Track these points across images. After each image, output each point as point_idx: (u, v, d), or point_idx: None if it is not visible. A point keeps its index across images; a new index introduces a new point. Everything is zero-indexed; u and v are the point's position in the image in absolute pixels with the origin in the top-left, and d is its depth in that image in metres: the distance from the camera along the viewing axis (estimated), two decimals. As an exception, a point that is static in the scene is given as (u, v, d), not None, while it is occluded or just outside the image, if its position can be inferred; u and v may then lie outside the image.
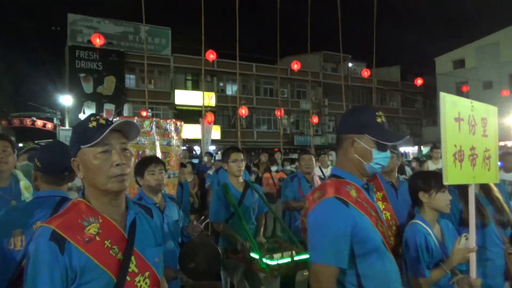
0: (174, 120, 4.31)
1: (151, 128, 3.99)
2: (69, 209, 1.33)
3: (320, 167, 7.62)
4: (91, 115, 1.42)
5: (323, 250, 1.52)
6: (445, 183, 1.98)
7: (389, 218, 2.77)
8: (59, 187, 2.00)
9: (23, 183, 2.66)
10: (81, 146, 1.32)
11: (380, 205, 2.95)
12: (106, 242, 1.29)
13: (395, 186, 3.16)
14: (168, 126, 4.14)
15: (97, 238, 1.28)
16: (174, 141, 4.21)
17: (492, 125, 2.26)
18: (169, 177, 4.07)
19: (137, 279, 1.33)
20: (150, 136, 4.01)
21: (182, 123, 4.44)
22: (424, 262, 2.11)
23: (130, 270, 1.31)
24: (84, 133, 1.33)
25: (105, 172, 1.30)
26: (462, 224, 2.45)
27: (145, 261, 1.38)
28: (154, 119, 4.09)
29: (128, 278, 1.30)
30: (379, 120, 1.64)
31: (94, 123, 1.34)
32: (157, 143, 4.03)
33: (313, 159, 4.43)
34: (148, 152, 3.91)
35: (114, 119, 3.49)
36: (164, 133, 4.09)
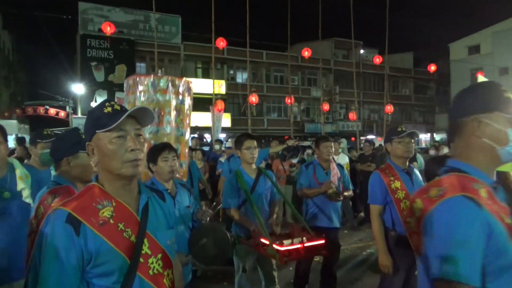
0: (185, 79, 4.33)
1: (167, 86, 4.03)
2: (84, 193, 1.37)
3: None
4: (106, 100, 1.44)
5: (459, 264, 1.17)
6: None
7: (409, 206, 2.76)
8: None
9: (19, 172, 2.62)
10: (97, 131, 1.35)
11: (400, 193, 3.03)
12: (119, 225, 1.32)
13: (409, 173, 3.17)
14: (181, 85, 4.17)
15: (111, 221, 1.31)
16: (187, 100, 4.25)
17: None
18: (182, 135, 4.15)
19: (150, 260, 1.37)
20: (166, 94, 4.06)
21: (192, 82, 4.48)
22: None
23: (143, 252, 1.35)
24: (100, 118, 1.35)
25: (119, 157, 1.33)
26: None
27: (157, 244, 1.41)
28: (169, 77, 4.11)
29: (141, 260, 1.34)
30: (507, 95, 1.33)
31: (109, 109, 1.37)
32: (173, 102, 4.09)
33: (333, 146, 4.40)
34: (163, 110, 3.96)
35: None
36: (177, 92, 4.12)
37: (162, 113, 3.99)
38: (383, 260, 3.08)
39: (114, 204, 1.35)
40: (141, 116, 1.41)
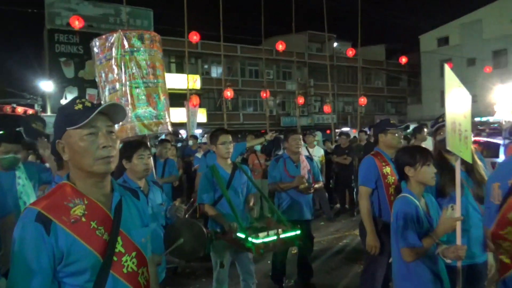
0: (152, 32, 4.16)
1: (150, 40, 3.89)
2: (54, 191, 1.36)
3: (306, 147, 7.66)
4: (76, 97, 1.42)
5: None
6: (448, 147, 2.10)
7: None
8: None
9: None
10: (67, 128, 1.33)
11: (390, 179, 3.21)
12: (92, 223, 1.31)
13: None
14: (152, 37, 4.00)
15: (83, 219, 1.30)
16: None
17: (468, 110, 2.37)
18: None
19: (124, 259, 1.36)
20: (155, 49, 3.93)
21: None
22: (415, 233, 2.16)
23: (116, 250, 1.34)
24: (70, 115, 1.34)
25: (91, 154, 1.32)
26: (439, 195, 2.52)
27: (131, 242, 1.40)
28: (139, 32, 3.93)
29: (115, 258, 1.33)
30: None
31: (80, 106, 1.35)
32: (159, 55, 3.97)
33: (301, 139, 4.44)
34: (157, 64, 3.79)
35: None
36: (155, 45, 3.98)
37: (153, 68, 3.84)
38: (370, 240, 3.19)
39: (86, 202, 1.33)
40: (113, 113, 1.40)
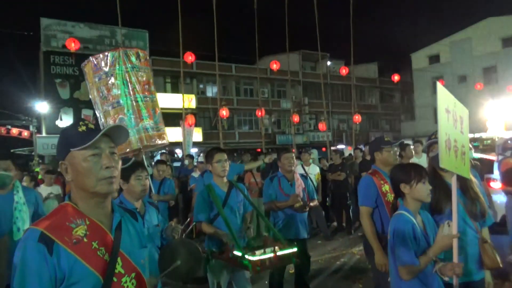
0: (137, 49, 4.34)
1: (145, 59, 4.04)
2: (57, 211, 1.37)
3: (302, 165, 7.68)
4: (80, 119, 1.47)
5: None
6: (440, 165, 2.10)
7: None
8: None
9: None
10: (71, 149, 1.36)
11: (390, 196, 3.14)
12: (93, 243, 1.32)
13: None
14: (139, 55, 4.14)
15: (85, 239, 1.31)
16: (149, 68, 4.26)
17: (465, 125, 2.40)
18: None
19: (123, 279, 1.37)
20: (148, 67, 4.06)
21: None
22: (412, 251, 2.16)
23: (116, 271, 1.35)
24: (74, 136, 1.37)
25: (95, 174, 1.35)
26: (434, 212, 2.53)
27: (131, 263, 1.41)
28: (144, 52, 4.14)
29: (114, 279, 1.34)
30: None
31: (84, 127, 1.40)
32: (150, 73, 4.12)
33: (294, 157, 4.46)
34: (151, 81, 3.99)
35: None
36: (144, 62, 4.12)
37: (148, 84, 3.97)
38: (379, 259, 3.15)
39: (87, 222, 1.35)
40: (116, 134, 1.44)
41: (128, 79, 3.75)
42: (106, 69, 3.82)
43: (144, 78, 3.87)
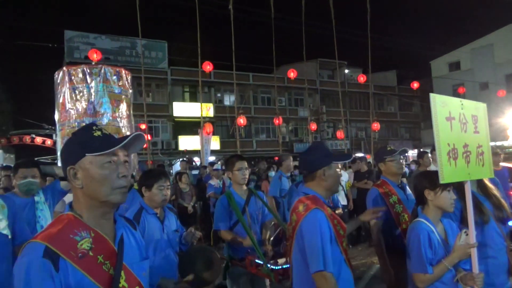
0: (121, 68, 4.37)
1: (126, 80, 4.06)
2: (58, 223, 1.27)
3: None
4: (92, 124, 1.40)
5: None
6: (441, 181, 2.04)
7: (407, 220, 2.93)
8: None
9: None
10: (87, 154, 1.28)
11: (398, 207, 3.12)
12: (99, 257, 1.25)
13: (403, 188, 3.27)
14: (122, 75, 4.19)
15: (90, 253, 1.23)
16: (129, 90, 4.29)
17: (482, 122, 2.34)
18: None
19: None
20: (126, 89, 4.09)
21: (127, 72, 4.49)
22: (426, 259, 2.14)
23: (120, 285, 1.28)
24: (89, 141, 1.30)
25: (111, 182, 1.28)
26: (463, 222, 2.48)
27: (134, 276, 1.35)
28: (122, 70, 4.13)
29: None
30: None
31: (99, 133, 1.33)
32: (128, 93, 4.15)
33: None
34: (118, 101, 3.97)
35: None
36: (123, 84, 4.15)
37: (115, 104, 3.97)
38: (384, 273, 3.12)
39: (92, 234, 1.26)
40: (132, 143, 1.36)
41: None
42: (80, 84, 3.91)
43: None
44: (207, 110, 24.95)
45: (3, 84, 33.42)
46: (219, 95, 28.86)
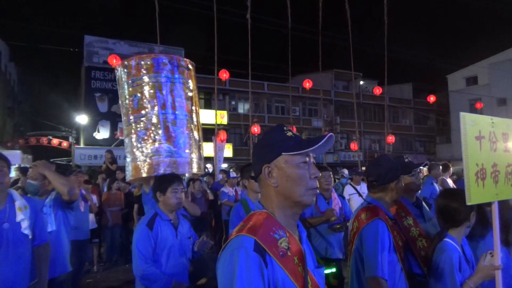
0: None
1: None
2: (258, 219, 1.26)
3: (351, 184, 7.74)
4: (281, 125, 1.38)
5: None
6: (468, 203, 1.99)
7: (425, 245, 2.57)
8: None
9: (18, 203, 2.64)
10: (283, 153, 1.28)
11: (414, 231, 2.71)
12: (295, 258, 1.23)
13: (419, 206, 2.99)
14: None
15: (289, 253, 1.21)
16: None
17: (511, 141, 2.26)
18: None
19: None
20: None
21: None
22: (458, 283, 2.07)
23: None
24: (285, 140, 1.30)
25: (305, 182, 1.28)
26: (469, 236, 2.39)
27: (316, 283, 1.29)
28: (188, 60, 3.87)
29: None
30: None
31: (291, 133, 1.33)
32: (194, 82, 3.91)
33: (332, 176, 4.42)
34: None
35: None
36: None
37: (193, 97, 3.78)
38: None
39: (287, 234, 1.25)
40: (323, 144, 1.31)
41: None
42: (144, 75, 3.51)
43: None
44: (222, 117, 25.07)
45: (24, 86, 34.21)
46: (233, 102, 29.00)
